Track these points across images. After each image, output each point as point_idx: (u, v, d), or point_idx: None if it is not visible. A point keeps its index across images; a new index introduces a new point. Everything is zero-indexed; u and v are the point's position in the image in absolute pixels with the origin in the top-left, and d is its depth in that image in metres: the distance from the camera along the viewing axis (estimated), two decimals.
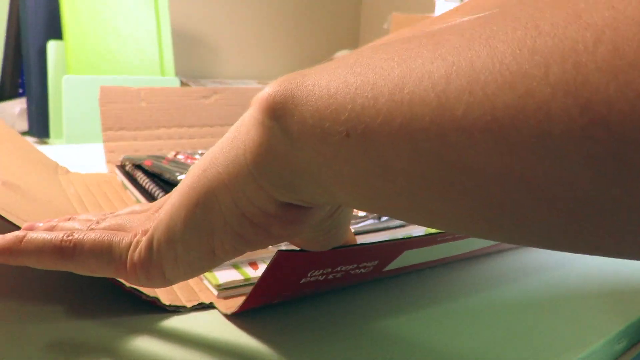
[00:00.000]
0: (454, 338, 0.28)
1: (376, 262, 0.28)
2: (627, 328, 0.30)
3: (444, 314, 0.30)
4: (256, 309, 0.29)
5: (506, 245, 0.40)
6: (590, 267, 0.38)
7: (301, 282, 0.26)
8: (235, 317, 0.28)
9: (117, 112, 0.57)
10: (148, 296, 0.27)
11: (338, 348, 0.26)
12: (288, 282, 0.26)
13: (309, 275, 0.26)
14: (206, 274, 0.31)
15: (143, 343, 0.25)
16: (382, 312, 0.30)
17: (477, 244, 0.33)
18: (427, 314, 0.30)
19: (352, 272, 0.28)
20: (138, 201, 0.45)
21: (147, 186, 0.44)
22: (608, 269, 0.38)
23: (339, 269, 0.27)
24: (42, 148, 0.70)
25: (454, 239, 0.30)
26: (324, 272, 0.26)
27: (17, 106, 1.94)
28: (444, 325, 0.29)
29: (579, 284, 0.35)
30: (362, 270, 0.28)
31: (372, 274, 0.30)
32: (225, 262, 0.32)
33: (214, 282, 0.30)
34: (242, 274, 0.31)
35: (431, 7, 2.21)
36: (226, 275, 0.31)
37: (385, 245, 0.26)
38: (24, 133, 2.00)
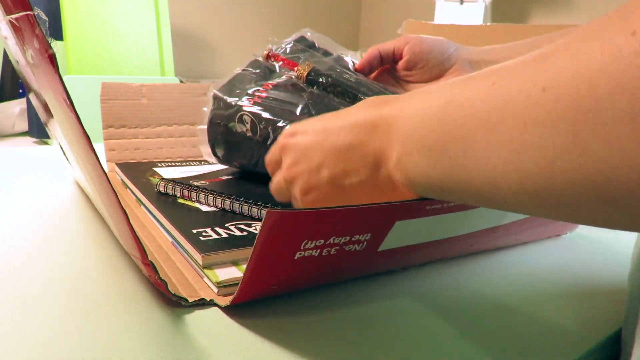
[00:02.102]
0: (453, 338, 0.28)
1: (369, 235, 0.28)
2: None
3: (443, 314, 0.30)
4: (257, 305, 0.29)
5: (499, 242, 0.40)
6: (591, 267, 0.38)
7: (296, 257, 0.26)
8: (236, 315, 0.28)
9: (118, 109, 0.57)
10: (160, 278, 0.27)
11: (338, 345, 0.26)
12: (282, 255, 0.26)
13: (302, 247, 0.26)
14: (206, 271, 0.31)
15: (143, 340, 0.25)
16: (384, 312, 0.30)
17: (468, 223, 0.33)
18: (425, 313, 0.30)
19: (346, 248, 0.28)
20: (138, 200, 0.45)
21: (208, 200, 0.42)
22: (609, 268, 0.38)
23: (331, 240, 0.27)
24: (42, 148, 0.70)
25: (444, 210, 0.29)
26: (317, 244, 0.26)
27: (17, 106, 1.94)
28: (443, 326, 0.29)
29: (580, 283, 0.35)
30: (356, 246, 0.28)
31: (368, 255, 0.30)
32: (226, 260, 0.32)
33: (214, 279, 0.30)
34: (242, 271, 0.31)
35: (431, 8, 2.21)
36: (226, 272, 0.31)
37: (374, 208, 0.26)
38: (24, 133, 2.00)
